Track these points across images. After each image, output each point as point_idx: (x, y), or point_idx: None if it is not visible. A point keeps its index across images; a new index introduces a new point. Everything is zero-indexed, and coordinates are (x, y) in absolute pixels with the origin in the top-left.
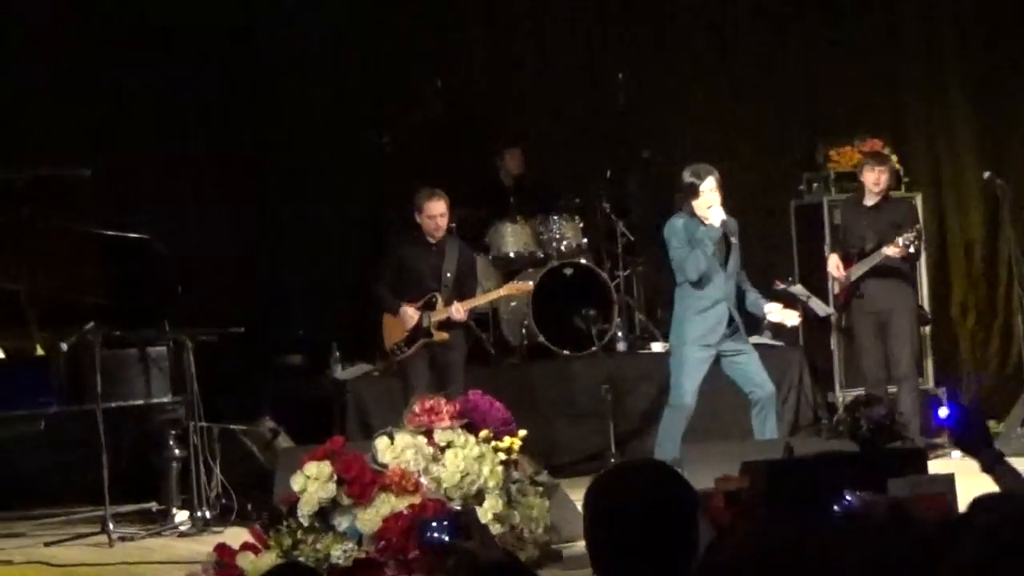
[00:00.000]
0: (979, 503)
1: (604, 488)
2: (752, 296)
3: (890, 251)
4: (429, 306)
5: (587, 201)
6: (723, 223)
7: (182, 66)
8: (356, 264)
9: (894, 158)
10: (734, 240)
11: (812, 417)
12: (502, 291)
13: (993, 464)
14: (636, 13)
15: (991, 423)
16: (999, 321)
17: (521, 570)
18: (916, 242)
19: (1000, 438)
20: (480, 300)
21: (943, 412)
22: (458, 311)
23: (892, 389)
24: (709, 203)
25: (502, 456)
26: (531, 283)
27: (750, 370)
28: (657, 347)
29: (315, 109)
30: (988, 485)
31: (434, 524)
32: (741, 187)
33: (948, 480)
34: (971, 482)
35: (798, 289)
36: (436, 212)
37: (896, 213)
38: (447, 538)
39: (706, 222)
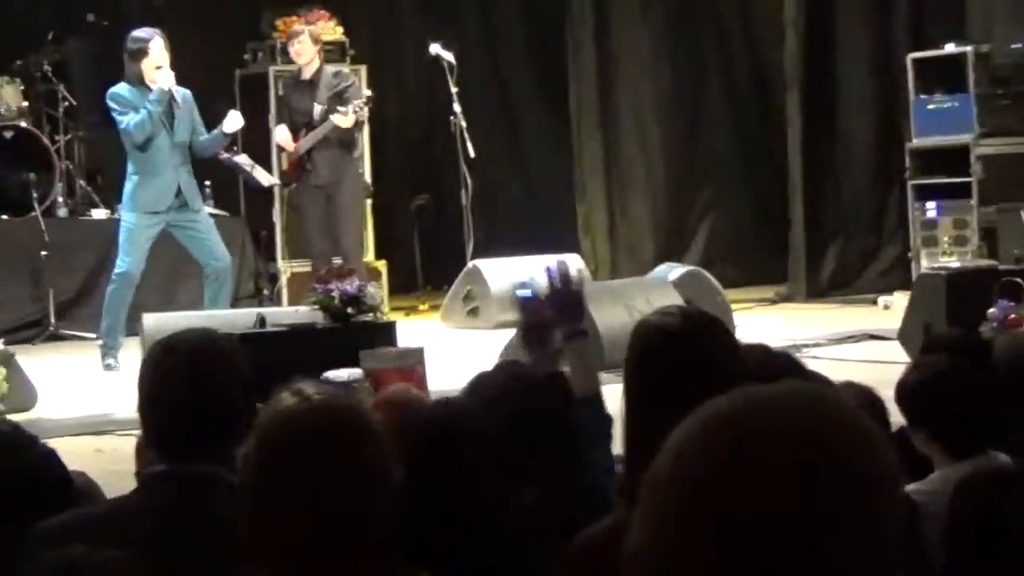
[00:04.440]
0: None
1: None
2: (202, 139)
3: (339, 120)
4: None
5: (28, 63)
6: (171, 88)
7: None
8: None
9: (339, 30)
10: (182, 106)
11: (253, 288)
12: None
13: (573, 335)
14: None
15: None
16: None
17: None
18: (363, 109)
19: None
20: None
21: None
22: None
23: (337, 260)
24: (158, 63)
25: None
26: None
27: (208, 242)
28: (98, 214)
29: None
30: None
31: None
32: (185, 56)
33: (418, 353)
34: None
35: (242, 159)
36: None
37: (336, 84)
38: None
39: (154, 85)
